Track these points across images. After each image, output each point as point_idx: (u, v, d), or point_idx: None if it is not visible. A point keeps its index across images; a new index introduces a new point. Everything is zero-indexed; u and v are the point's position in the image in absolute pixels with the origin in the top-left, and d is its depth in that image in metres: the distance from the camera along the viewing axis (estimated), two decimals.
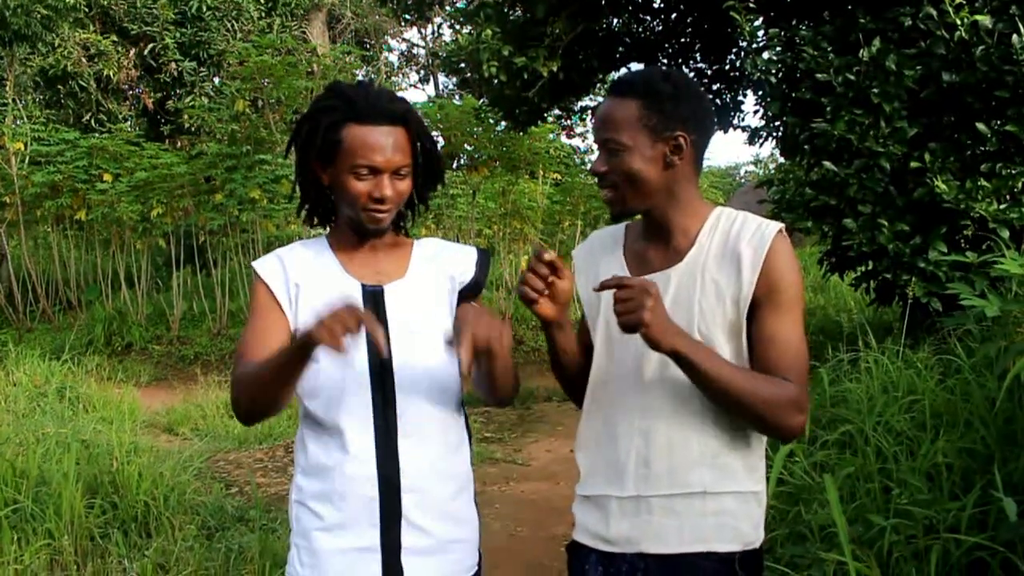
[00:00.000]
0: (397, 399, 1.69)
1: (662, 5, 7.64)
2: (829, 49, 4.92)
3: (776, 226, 1.60)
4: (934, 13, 4.64)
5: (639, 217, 1.73)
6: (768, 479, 3.15)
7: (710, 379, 1.51)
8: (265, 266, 1.77)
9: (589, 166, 1.69)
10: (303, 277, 1.74)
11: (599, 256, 1.78)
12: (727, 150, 62.49)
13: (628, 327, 1.47)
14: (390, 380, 1.69)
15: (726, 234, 1.62)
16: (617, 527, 1.63)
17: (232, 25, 14.96)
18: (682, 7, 7.47)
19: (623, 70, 8.16)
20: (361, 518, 1.66)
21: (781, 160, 7.19)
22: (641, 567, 1.61)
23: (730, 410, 1.56)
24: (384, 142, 1.66)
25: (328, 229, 1.84)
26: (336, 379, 1.68)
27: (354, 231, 1.75)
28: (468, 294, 1.80)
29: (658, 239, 1.69)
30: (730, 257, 1.59)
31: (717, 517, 1.58)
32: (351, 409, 1.67)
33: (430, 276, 1.79)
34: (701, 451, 1.58)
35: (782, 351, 1.56)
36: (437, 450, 1.72)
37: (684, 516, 1.58)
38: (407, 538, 1.67)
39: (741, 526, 1.60)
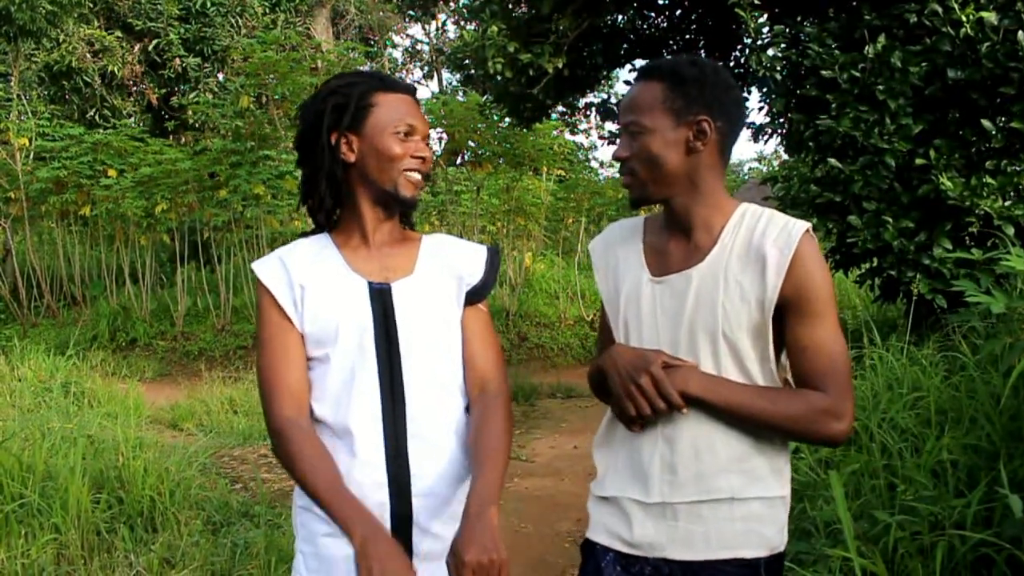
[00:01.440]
0: (407, 401, 1.65)
1: (667, 2, 7.64)
2: (834, 46, 4.92)
3: (803, 226, 1.54)
4: (939, 10, 4.64)
5: (657, 208, 1.67)
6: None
7: (731, 411, 1.51)
8: (266, 270, 1.71)
9: (612, 153, 1.65)
10: (307, 277, 1.69)
11: (617, 248, 1.71)
12: None
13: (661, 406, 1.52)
14: (399, 381, 1.65)
15: (751, 232, 1.56)
16: (641, 531, 1.58)
17: (236, 21, 14.97)
18: (687, 3, 7.47)
19: (627, 67, 8.18)
20: None
21: (785, 157, 7.20)
22: (665, 572, 1.57)
23: (763, 431, 1.54)
24: (414, 108, 1.72)
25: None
26: (345, 381, 1.64)
27: (382, 207, 1.71)
28: (476, 295, 1.76)
29: (679, 233, 1.62)
30: (754, 257, 1.53)
31: (745, 523, 1.54)
32: (360, 412, 1.63)
33: (439, 273, 1.74)
34: (728, 455, 1.54)
35: (816, 360, 1.52)
36: (447, 452, 1.67)
37: (711, 522, 1.54)
38: (419, 543, 1.63)
39: (767, 531, 1.55)
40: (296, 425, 1.61)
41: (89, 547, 3.75)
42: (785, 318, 1.53)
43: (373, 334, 1.65)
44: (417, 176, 1.69)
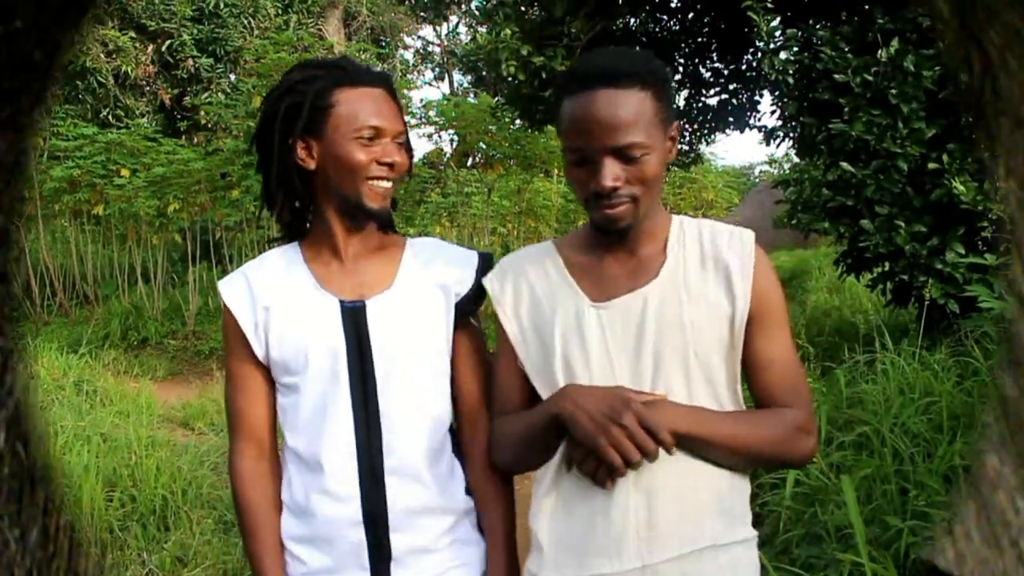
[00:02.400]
0: (383, 430, 1.51)
1: (679, 4, 7.63)
2: (847, 49, 4.90)
3: (751, 233, 1.43)
4: None
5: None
6: (784, 481, 3.16)
7: (715, 443, 1.34)
8: (230, 291, 1.58)
9: (598, 182, 1.35)
10: (273, 298, 1.54)
11: (530, 277, 1.49)
12: (741, 150, 62.34)
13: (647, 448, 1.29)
14: (374, 410, 1.51)
15: (698, 243, 1.42)
16: None
17: (249, 22, 15.02)
18: (699, 6, 7.46)
19: None
20: (348, 563, 1.51)
21: (797, 160, 7.18)
22: None
23: (740, 463, 1.39)
24: (383, 104, 1.51)
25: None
26: (317, 411, 1.51)
27: (349, 219, 1.54)
28: (466, 308, 1.60)
29: (619, 250, 1.44)
30: (714, 268, 1.40)
31: (733, 570, 1.37)
32: (333, 443, 1.50)
33: (422, 285, 1.57)
34: (709, 495, 1.36)
35: (782, 374, 1.40)
36: (428, 484, 1.54)
37: None
38: None
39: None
40: (250, 479, 1.56)
41: (102, 545, 3.78)
42: (747, 331, 1.40)
43: (346, 359, 1.51)
44: (385, 185, 1.51)
